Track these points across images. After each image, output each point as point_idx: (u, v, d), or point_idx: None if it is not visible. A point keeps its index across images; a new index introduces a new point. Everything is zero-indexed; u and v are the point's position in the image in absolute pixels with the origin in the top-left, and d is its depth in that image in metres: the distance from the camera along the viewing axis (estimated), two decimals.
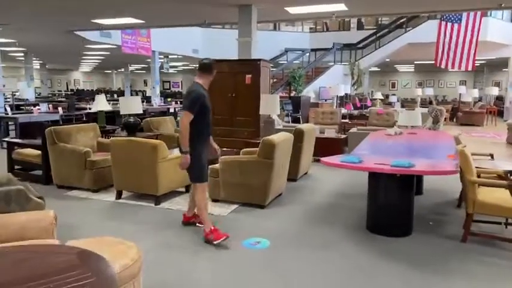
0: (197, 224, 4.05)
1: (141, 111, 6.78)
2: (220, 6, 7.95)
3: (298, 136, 5.73)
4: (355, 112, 12.35)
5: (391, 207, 3.83)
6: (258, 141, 6.04)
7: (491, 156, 5.12)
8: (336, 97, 14.10)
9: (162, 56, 17.35)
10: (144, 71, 30.47)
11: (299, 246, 3.68)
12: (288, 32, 20.60)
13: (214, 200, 4.88)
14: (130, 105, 6.64)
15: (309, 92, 15.92)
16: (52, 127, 5.49)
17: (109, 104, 8.40)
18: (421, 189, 5.34)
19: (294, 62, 17.90)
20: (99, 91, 25.89)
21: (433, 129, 7.70)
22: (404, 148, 5.01)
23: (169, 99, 17.77)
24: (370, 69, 21.16)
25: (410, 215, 3.85)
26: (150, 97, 17.87)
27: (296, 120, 13.28)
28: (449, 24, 15.41)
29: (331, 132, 7.77)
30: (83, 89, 29.63)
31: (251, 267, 3.26)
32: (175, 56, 18.51)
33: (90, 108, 10.20)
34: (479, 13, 14.44)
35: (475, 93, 17.41)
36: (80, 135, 5.84)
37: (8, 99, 13.24)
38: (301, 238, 3.88)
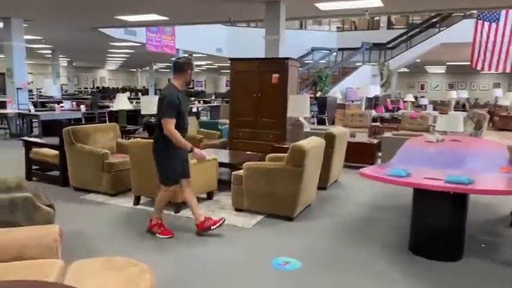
0: (212, 227, 3.81)
1: None
2: (247, 3, 7.59)
3: (330, 141, 5.29)
4: (386, 115, 11.75)
5: (441, 227, 3.35)
6: (285, 146, 5.65)
7: None
8: (365, 98, 13.52)
9: (186, 55, 17.14)
10: (168, 70, 30.48)
11: (333, 269, 3.25)
12: (314, 31, 20.08)
13: (238, 210, 4.50)
14: (152, 105, 6.34)
15: (336, 92, 15.39)
16: (70, 127, 5.24)
17: (132, 102, 8.20)
18: None
19: (320, 61, 17.38)
20: (123, 89, 26.02)
21: (475, 135, 7.10)
22: (449, 158, 4.49)
23: (192, 99, 17.55)
24: (398, 70, 20.38)
25: (462, 237, 3.37)
26: None
27: (321, 122, 12.79)
28: (486, 24, 14.54)
29: (362, 137, 7.28)
30: (108, 87, 29.86)
31: None
32: (199, 55, 18.29)
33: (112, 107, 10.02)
34: None
35: None
36: (99, 136, 5.58)
37: (33, 97, 13.27)
38: (335, 259, 3.45)
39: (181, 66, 3.64)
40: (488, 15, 14.26)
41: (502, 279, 3.11)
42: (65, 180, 5.43)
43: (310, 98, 13.62)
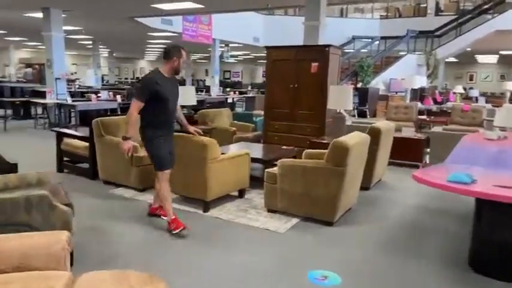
0: (162, 217, 3.84)
1: (195, 103, 6.19)
2: None
3: (375, 136, 4.78)
4: (434, 108, 10.92)
5: (509, 242, 2.82)
6: (324, 141, 5.20)
7: None
8: (409, 90, 12.69)
9: (222, 45, 16.89)
10: (205, 61, 30.45)
11: (378, 287, 2.82)
12: (355, 19, 19.21)
13: (270, 211, 4.13)
14: (184, 96, 6.06)
15: (378, 83, 14.63)
16: (99, 118, 5.05)
17: None
18: None
19: (361, 50, 16.57)
20: None
21: None
22: None
23: (228, 89, 17.31)
24: (446, 60, 19.11)
25: None
26: (209, 87, 17.55)
27: (362, 114, 12.14)
28: None
29: (408, 131, 6.68)
30: None
31: None
32: (236, 45, 17.97)
33: None
34: None
35: None
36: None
37: (71, 87, 13.47)
38: (381, 274, 3.01)
39: (169, 53, 3.56)
40: None
41: None
42: (94, 173, 5.27)
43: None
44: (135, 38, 16.84)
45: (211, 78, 17.23)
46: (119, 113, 9.99)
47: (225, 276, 2.89)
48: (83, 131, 5.66)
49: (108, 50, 25.30)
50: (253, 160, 4.73)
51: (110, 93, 11.10)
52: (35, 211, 2.70)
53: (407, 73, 13.47)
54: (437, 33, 16.31)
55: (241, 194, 4.63)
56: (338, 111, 5.38)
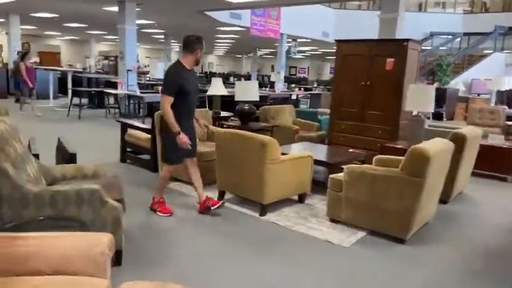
0: (212, 208, 3.79)
1: (258, 99, 5.93)
2: None
3: (459, 144, 4.17)
4: None
5: None
6: (398, 146, 4.68)
7: None
8: (495, 92, 11.41)
9: (290, 40, 16.52)
10: (272, 56, 30.28)
11: None
12: (435, 13, 17.79)
13: (333, 221, 3.74)
14: (247, 91, 5.85)
15: (458, 83, 13.39)
16: (160, 111, 4.97)
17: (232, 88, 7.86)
18: None
19: (440, 48, 15.32)
20: (228, 75, 26.55)
21: None
22: None
23: (293, 85, 16.94)
24: None
25: None
26: (273, 82, 17.31)
27: (437, 116, 11.14)
28: None
29: (496, 139, 5.87)
30: (215, 72, 30.85)
31: None
32: (304, 40, 17.51)
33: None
34: None
35: None
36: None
37: (141, 78, 13.93)
38: None
39: (191, 45, 3.48)
40: None
41: None
42: (155, 166, 5.23)
43: None
44: (204, 32, 16.99)
45: (276, 74, 16.96)
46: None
47: None
48: (149, 123, 5.67)
49: (179, 44, 26.10)
50: (317, 163, 4.36)
51: None
52: (85, 205, 2.59)
53: (493, 73, 12.20)
54: None
55: (302, 198, 4.29)
56: (415, 113, 4.82)
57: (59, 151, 3.85)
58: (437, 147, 3.36)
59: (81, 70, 19.09)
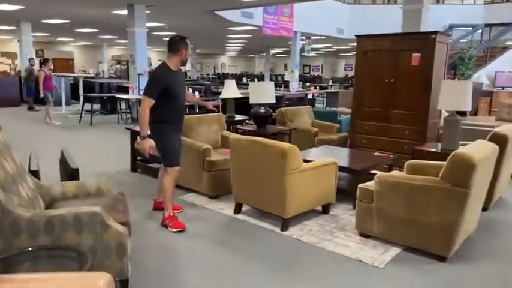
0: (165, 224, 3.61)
1: (274, 100, 5.58)
2: None
3: (499, 145, 3.73)
4: None
5: None
6: (433, 150, 4.26)
7: None
8: None
9: (303, 37, 16.11)
10: (285, 55, 29.90)
11: None
12: (454, 4, 17.14)
13: (363, 235, 3.36)
14: (262, 93, 5.51)
15: (480, 77, 12.77)
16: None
17: (247, 89, 7.52)
18: None
19: (460, 41, 14.68)
20: (241, 75, 26.25)
21: None
22: None
23: (307, 84, 16.54)
24: None
25: None
26: (288, 82, 16.92)
27: (460, 112, 10.60)
28: None
29: None
30: (228, 73, 30.60)
31: None
32: (318, 37, 17.07)
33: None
34: None
35: None
36: (203, 128, 4.94)
37: None
38: None
39: (175, 45, 3.41)
40: None
41: None
42: None
43: None
44: (215, 33, 16.79)
45: (290, 73, 16.57)
46: (197, 110, 9.81)
47: None
48: None
49: (191, 46, 25.80)
50: (341, 169, 3.99)
51: (190, 89, 10.98)
52: (85, 231, 2.28)
53: None
54: None
55: (326, 209, 3.92)
56: (444, 112, 4.39)
57: (62, 165, 3.57)
58: (481, 151, 2.96)
59: (93, 75, 19.04)
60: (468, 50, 12.90)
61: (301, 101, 12.64)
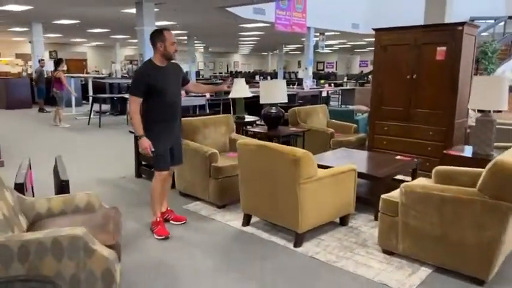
0: (171, 221, 3.63)
1: (286, 100, 5.22)
2: None
3: None
4: None
5: None
6: (465, 155, 3.84)
7: None
8: None
9: (317, 34, 15.66)
10: (298, 52, 29.46)
11: None
12: None
13: (386, 252, 2.99)
14: (273, 92, 5.16)
15: (505, 72, 12.14)
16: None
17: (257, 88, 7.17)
18: None
19: (482, 34, 14.01)
20: (254, 73, 25.88)
21: None
22: None
23: (322, 81, 16.09)
24: None
25: None
26: (301, 79, 16.50)
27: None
28: None
29: None
30: (240, 71, 30.29)
31: None
32: (332, 33, 16.60)
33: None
34: None
35: None
36: (210, 130, 4.62)
37: None
38: None
39: (151, 40, 3.21)
40: None
41: None
42: (173, 182, 4.60)
43: None
44: (227, 30, 16.48)
45: (304, 70, 16.14)
46: (207, 110, 9.50)
47: None
48: None
49: (203, 45, 25.69)
50: (361, 176, 3.61)
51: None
52: (66, 257, 1.98)
53: None
54: None
55: (344, 221, 3.54)
56: (471, 111, 3.97)
57: (54, 175, 3.29)
58: None
59: (103, 76, 18.94)
60: (492, 43, 12.29)
61: (315, 98, 12.23)
